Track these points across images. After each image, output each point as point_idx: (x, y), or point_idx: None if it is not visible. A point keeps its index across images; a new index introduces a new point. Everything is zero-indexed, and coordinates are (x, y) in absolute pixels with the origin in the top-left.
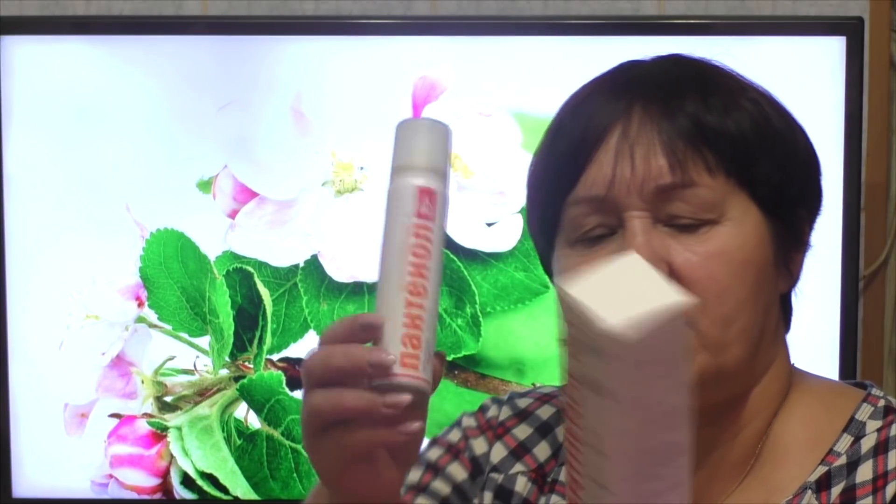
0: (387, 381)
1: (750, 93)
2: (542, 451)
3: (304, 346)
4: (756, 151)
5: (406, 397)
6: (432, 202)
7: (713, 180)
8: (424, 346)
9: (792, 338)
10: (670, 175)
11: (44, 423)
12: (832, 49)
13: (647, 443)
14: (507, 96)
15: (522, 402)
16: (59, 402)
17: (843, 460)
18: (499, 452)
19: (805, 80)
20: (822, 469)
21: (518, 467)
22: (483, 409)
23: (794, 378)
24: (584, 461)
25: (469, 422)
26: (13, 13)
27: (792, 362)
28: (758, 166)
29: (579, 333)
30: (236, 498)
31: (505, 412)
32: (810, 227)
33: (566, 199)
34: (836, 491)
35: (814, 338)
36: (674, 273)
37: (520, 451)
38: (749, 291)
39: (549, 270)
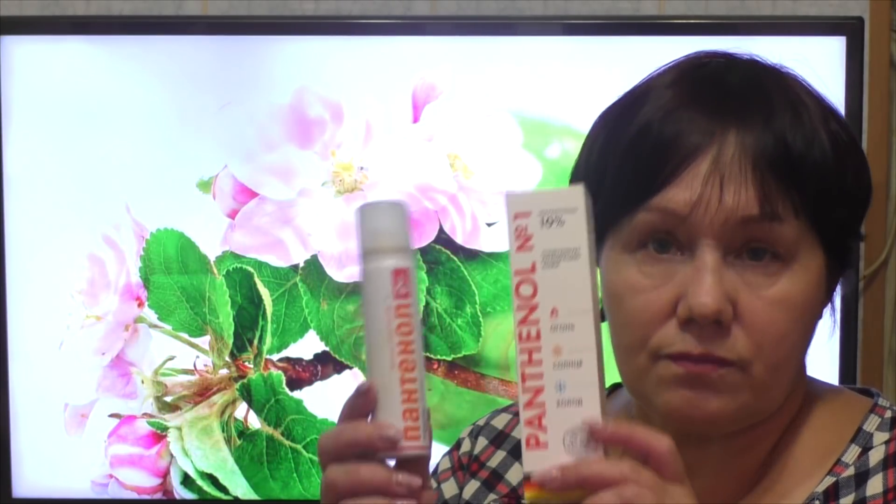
0: (393, 453)
1: (825, 112)
2: (515, 474)
3: (304, 347)
4: (835, 192)
5: (417, 480)
6: (406, 280)
7: (797, 221)
8: (422, 416)
9: None
10: (759, 209)
11: (44, 423)
12: (832, 49)
13: (595, 295)
14: (507, 96)
15: (501, 422)
16: (59, 402)
17: (850, 471)
18: (471, 487)
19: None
20: (830, 480)
21: (490, 497)
22: (458, 444)
23: (807, 389)
24: (544, 357)
25: (444, 464)
26: (13, 13)
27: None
28: (834, 210)
29: (531, 222)
30: (236, 498)
31: (480, 443)
32: (851, 261)
33: (640, 205)
34: (845, 502)
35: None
36: (737, 315)
37: (492, 481)
38: (803, 335)
39: None
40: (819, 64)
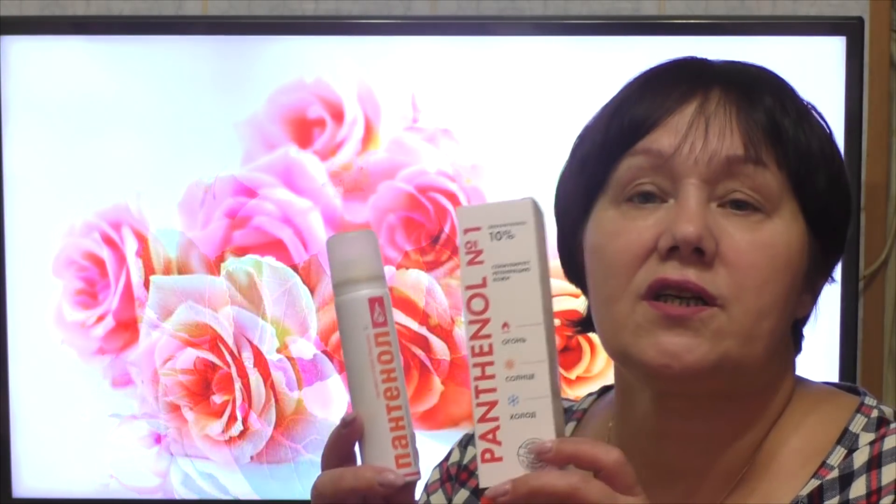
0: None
1: (815, 113)
2: None
3: (304, 347)
4: (817, 165)
5: None
6: (382, 307)
7: (780, 173)
8: (411, 442)
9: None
10: (743, 150)
11: (44, 423)
12: (832, 49)
13: (548, 307)
14: (507, 96)
15: None
16: (59, 403)
17: (835, 474)
18: (461, 497)
19: (805, 80)
20: (815, 483)
21: None
22: (448, 455)
23: (795, 388)
24: (497, 372)
25: (433, 476)
26: (13, 13)
27: (797, 376)
28: (816, 179)
29: (481, 237)
30: (236, 499)
31: (469, 453)
32: (836, 260)
33: (625, 152)
34: None
35: (814, 338)
36: (719, 253)
37: (481, 489)
38: (784, 292)
39: (572, 256)
40: (819, 64)
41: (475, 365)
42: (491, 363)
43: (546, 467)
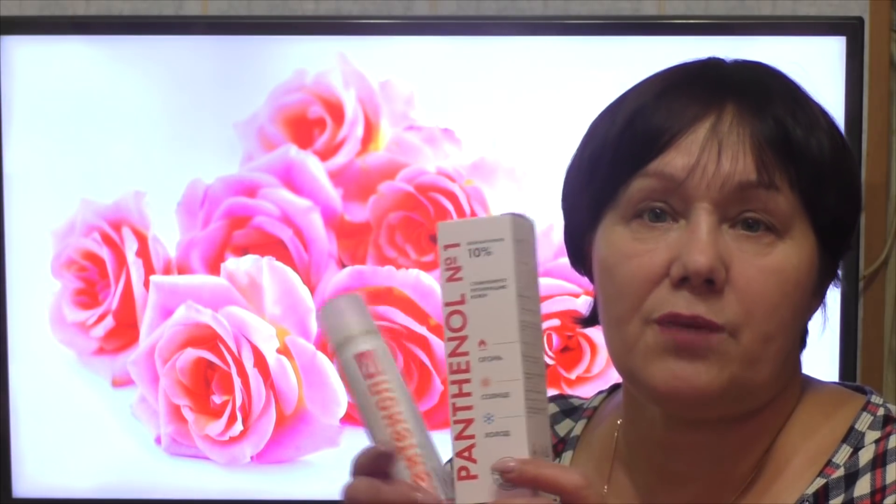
0: None
1: (827, 118)
2: None
3: (304, 346)
4: (829, 180)
5: None
6: (370, 360)
7: (792, 194)
8: (433, 473)
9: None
10: (756, 175)
11: (44, 422)
12: (832, 49)
13: (529, 322)
14: (507, 96)
15: None
16: (59, 402)
17: (841, 472)
18: None
19: (805, 80)
20: (821, 481)
21: None
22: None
23: (802, 389)
24: (473, 389)
25: None
26: (13, 13)
27: (804, 376)
28: (828, 196)
29: (460, 253)
30: (236, 499)
31: None
32: (842, 259)
33: (636, 171)
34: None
35: (814, 337)
36: (729, 279)
37: None
38: (793, 314)
39: (578, 249)
40: (819, 64)
41: (453, 382)
42: (468, 381)
43: (518, 487)
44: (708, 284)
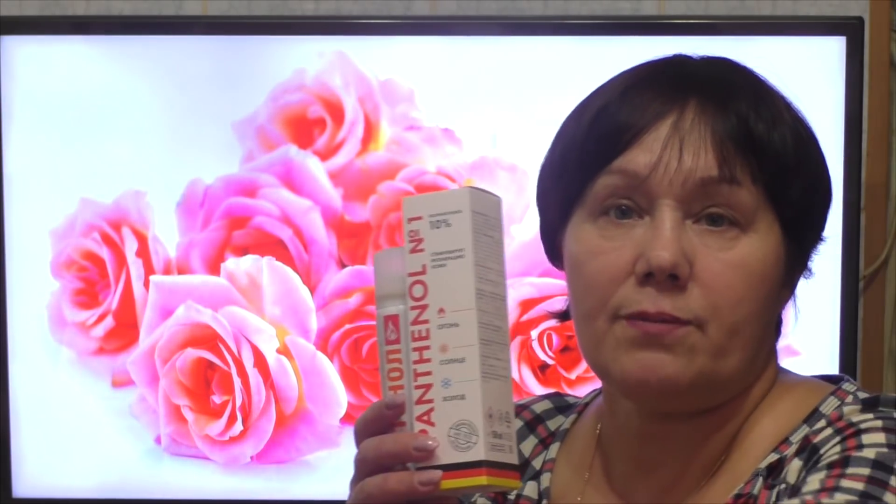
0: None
1: (792, 111)
2: None
3: (303, 346)
4: (793, 173)
5: (438, 474)
6: (396, 325)
7: (754, 187)
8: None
9: (792, 337)
10: (717, 170)
11: (44, 423)
12: (832, 49)
13: (488, 291)
14: (507, 96)
15: None
16: (59, 402)
17: (794, 449)
18: None
19: (805, 80)
20: (774, 456)
21: (476, 495)
22: None
23: (777, 378)
24: (433, 356)
25: None
26: (13, 13)
27: (779, 366)
28: (792, 188)
29: (422, 226)
30: (236, 499)
31: None
32: (814, 252)
33: (601, 169)
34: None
35: (814, 338)
36: (694, 274)
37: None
38: (759, 306)
39: (552, 244)
40: (819, 64)
41: (414, 349)
42: (427, 347)
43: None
44: (672, 280)
